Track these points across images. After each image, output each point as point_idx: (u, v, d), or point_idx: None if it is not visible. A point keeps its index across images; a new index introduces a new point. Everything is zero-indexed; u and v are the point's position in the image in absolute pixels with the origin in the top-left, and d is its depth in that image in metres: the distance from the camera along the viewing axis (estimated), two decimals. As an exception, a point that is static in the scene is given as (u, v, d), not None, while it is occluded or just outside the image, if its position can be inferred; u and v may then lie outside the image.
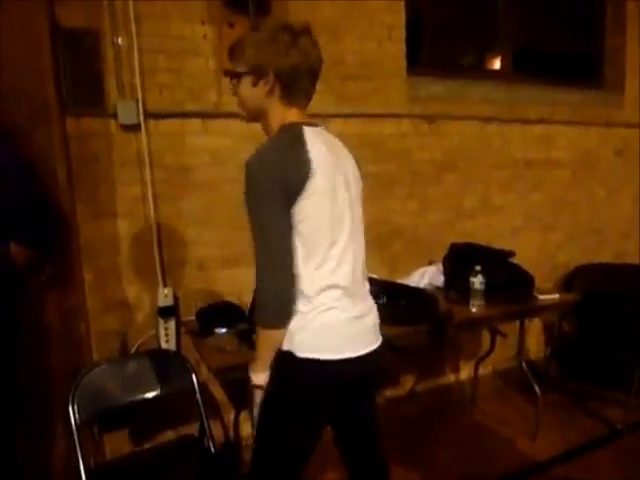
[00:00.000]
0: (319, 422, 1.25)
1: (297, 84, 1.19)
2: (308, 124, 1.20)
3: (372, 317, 1.28)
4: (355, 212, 1.25)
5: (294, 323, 1.16)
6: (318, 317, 1.16)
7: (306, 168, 1.11)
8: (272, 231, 1.11)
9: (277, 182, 1.09)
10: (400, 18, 2.46)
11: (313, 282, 1.16)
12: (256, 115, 1.25)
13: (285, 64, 1.16)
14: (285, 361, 1.17)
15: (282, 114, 1.20)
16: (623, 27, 3.12)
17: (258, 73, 1.18)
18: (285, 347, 1.17)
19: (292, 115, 1.21)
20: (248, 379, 1.20)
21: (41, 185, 1.64)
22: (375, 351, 1.25)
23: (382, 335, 1.31)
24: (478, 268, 2.10)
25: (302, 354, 1.15)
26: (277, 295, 1.13)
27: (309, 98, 1.24)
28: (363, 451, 1.44)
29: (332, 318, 1.17)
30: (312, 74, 1.21)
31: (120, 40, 1.93)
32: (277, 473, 1.25)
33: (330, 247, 1.16)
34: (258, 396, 1.21)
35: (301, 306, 1.16)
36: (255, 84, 1.19)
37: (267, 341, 1.17)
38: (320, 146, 1.16)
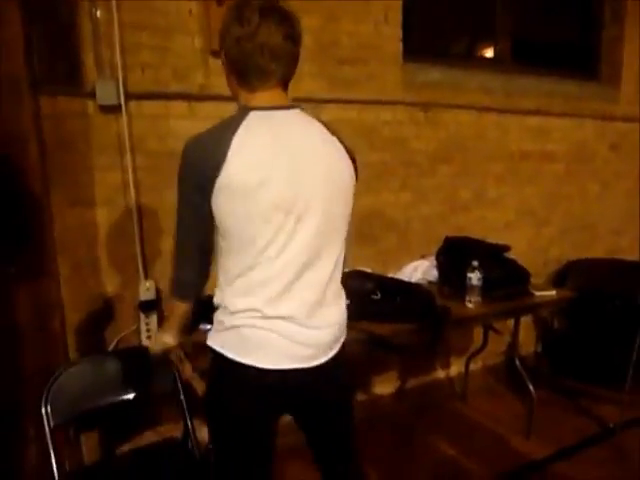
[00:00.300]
0: (241, 426, 1.15)
1: (249, 62, 1.07)
2: (267, 108, 1.08)
3: (324, 332, 1.14)
4: (309, 215, 1.07)
5: (216, 318, 1.15)
6: (240, 319, 1.09)
7: (219, 158, 1.00)
8: (181, 221, 1.11)
9: (193, 172, 1.05)
10: (397, 1, 2.36)
11: (234, 281, 1.09)
12: (236, 100, 1.16)
13: (230, 41, 1.08)
14: (212, 357, 1.16)
15: (246, 98, 1.11)
16: (621, 20, 3.07)
17: (220, 55, 1.13)
18: (209, 341, 1.16)
19: (256, 99, 1.10)
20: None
21: (10, 169, 1.51)
22: (315, 368, 1.13)
23: (338, 350, 1.19)
24: (476, 263, 2.04)
25: (214, 346, 1.14)
26: (180, 279, 1.17)
27: (281, 79, 1.11)
28: (332, 473, 1.33)
29: (250, 322, 1.09)
30: (269, 50, 1.06)
31: (99, 13, 1.78)
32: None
33: (261, 249, 1.05)
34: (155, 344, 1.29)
35: (222, 299, 1.12)
36: (223, 66, 1.15)
37: (175, 306, 1.23)
38: (256, 134, 1.04)
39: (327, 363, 1.15)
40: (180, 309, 1.22)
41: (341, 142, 1.16)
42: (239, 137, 1.02)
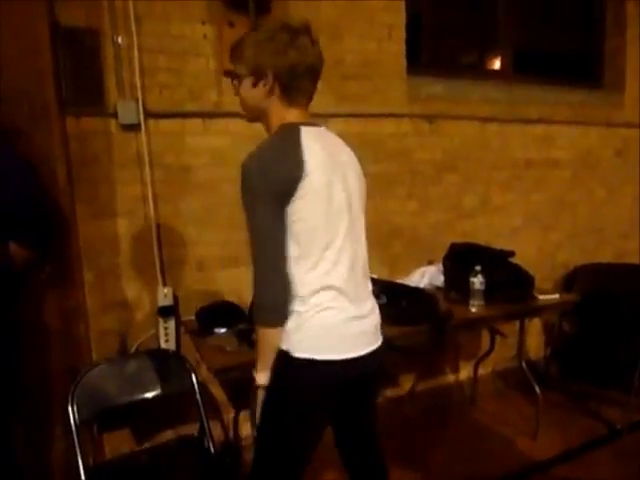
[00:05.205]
0: (318, 423, 1.24)
1: (296, 84, 1.19)
2: (307, 124, 1.20)
3: (372, 318, 1.28)
4: (354, 212, 1.24)
5: (291, 323, 1.17)
6: (315, 317, 1.16)
7: (300, 169, 1.10)
8: (266, 232, 1.13)
9: (270, 183, 1.09)
10: (400, 18, 2.46)
11: (307, 283, 1.16)
12: (257, 115, 1.26)
13: (283, 64, 1.17)
14: (283, 361, 1.17)
15: (282, 114, 1.21)
16: (623, 27, 3.12)
17: (257, 74, 1.19)
18: (283, 347, 1.17)
19: (292, 115, 1.21)
20: (252, 378, 1.20)
21: (41, 185, 1.63)
22: (375, 352, 1.25)
23: (383, 336, 1.31)
24: (478, 268, 2.10)
25: (298, 354, 1.15)
26: (272, 295, 1.14)
27: (310, 98, 1.24)
28: (363, 453, 1.44)
29: (329, 318, 1.17)
30: (312, 73, 1.21)
31: (120, 39, 1.92)
32: (278, 473, 1.25)
33: (325, 248, 1.16)
34: (260, 396, 1.21)
35: (297, 306, 1.17)
36: (255, 85, 1.21)
37: (266, 340, 1.17)
38: (316, 146, 1.16)
39: (379, 349, 1.27)
40: (272, 341, 1.16)
41: (351, 150, 1.33)
42: (306, 146, 1.13)
